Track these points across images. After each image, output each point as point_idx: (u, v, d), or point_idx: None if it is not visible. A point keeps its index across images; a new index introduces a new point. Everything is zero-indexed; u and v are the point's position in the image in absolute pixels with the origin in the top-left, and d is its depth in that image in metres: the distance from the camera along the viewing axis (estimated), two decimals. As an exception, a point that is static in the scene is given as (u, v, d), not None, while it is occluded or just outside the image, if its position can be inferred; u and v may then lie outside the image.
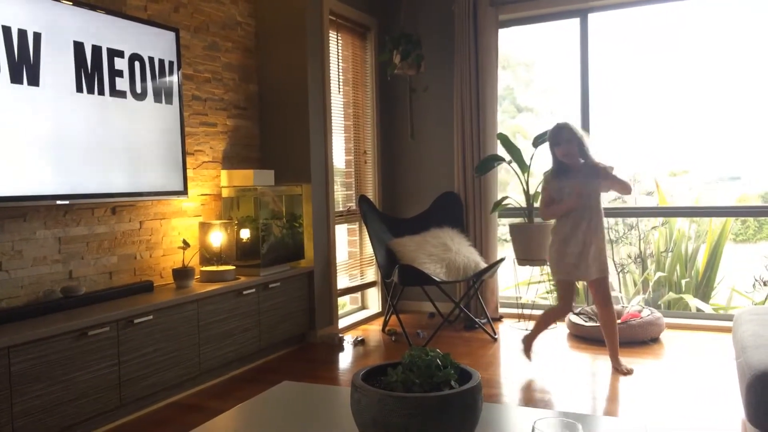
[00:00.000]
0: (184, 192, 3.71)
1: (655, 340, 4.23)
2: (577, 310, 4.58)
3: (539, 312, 4.84)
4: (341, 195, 4.97)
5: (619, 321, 4.31)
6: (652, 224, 5.83)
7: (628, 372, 3.56)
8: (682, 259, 5.40)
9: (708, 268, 5.33)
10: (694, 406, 3.07)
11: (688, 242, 5.47)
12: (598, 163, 3.50)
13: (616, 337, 3.61)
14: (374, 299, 5.34)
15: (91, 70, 3.14)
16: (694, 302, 5.05)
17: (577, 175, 3.50)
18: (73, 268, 3.20)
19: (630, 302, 5.15)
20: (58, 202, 2.98)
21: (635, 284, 5.68)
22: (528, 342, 3.82)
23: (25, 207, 2.93)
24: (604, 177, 3.48)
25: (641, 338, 4.15)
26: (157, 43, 3.52)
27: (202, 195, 4.04)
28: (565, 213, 3.54)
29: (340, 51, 4.89)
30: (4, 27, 2.73)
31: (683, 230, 5.51)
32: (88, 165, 3.12)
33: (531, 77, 6.98)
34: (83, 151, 3.09)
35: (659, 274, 5.47)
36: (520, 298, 5.07)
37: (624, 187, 3.51)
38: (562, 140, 3.48)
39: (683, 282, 5.38)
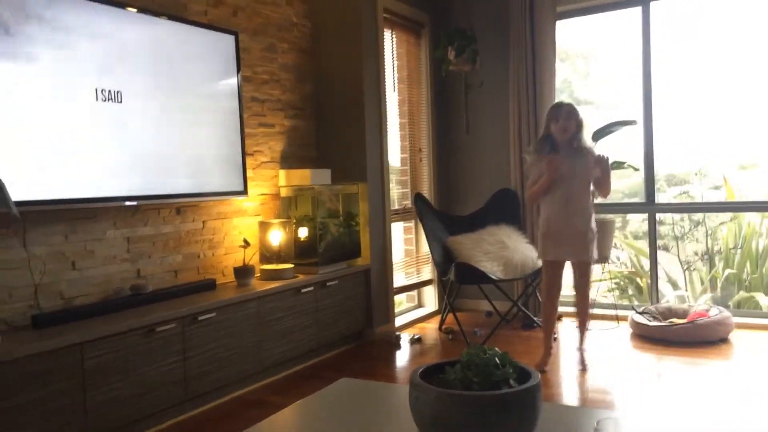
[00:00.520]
0: (244, 192, 3.80)
1: (725, 340, 4.06)
2: (640, 309, 4.45)
3: (599, 311, 4.73)
4: (397, 193, 4.98)
5: (685, 320, 4.17)
6: (720, 220, 5.60)
7: (583, 368, 3.60)
8: (753, 256, 5.16)
9: (781, 266, 5.08)
10: (764, 409, 2.93)
11: (759, 238, 5.23)
12: (593, 150, 3.51)
13: (585, 327, 3.68)
14: (431, 297, 5.33)
15: (157, 77, 3.25)
16: (766, 301, 4.82)
17: (565, 153, 3.47)
18: (141, 267, 3.33)
19: (697, 301, 4.96)
20: (127, 203, 3.11)
21: (702, 282, 5.47)
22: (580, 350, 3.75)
23: (96, 208, 3.07)
24: (596, 162, 3.45)
25: (709, 338, 3.99)
26: (218, 47, 3.62)
27: (261, 194, 4.13)
28: (545, 190, 3.49)
29: (394, 49, 4.89)
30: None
31: (753, 225, 5.26)
32: (155, 167, 3.24)
33: (590, 69, 6.80)
34: (150, 154, 3.21)
35: (728, 271, 5.24)
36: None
37: (606, 187, 3.49)
38: (561, 115, 3.47)
39: (753, 279, 5.14)
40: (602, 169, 3.46)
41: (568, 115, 3.47)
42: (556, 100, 4.92)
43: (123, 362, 2.79)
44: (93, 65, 2.96)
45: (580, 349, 3.72)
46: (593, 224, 3.55)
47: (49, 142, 2.78)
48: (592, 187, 3.57)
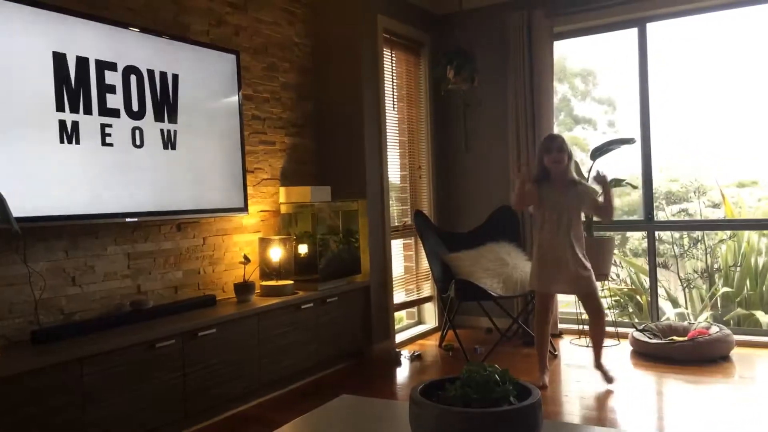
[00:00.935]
0: (244, 209, 3.82)
1: (725, 358, 4.05)
2: (641, 327, 4.45)
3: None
4: (397, 210, 5.00)
5: (685, 338, 4.17)
6: (719, 237, 5.61)
7: (609, 380, 3.60)
8: (752, 274, 5.17)
9: (781, 283, 5.08)
10: (766, 428, 2.93)
11: (758, 256, 5.23)
12: (582, 182, 3.59)
13: (601, 345, 3.66)
14: (431, 314, 5.32)
15: (161, 95, 3.28)
16: (766, 319, 4.81)
17: (556, 185, 3.54)
18: (141, 283, 3.34)
19: (697, 319, 4.96)
20: (128, 219, 3.12)
21: (702, 300, 5.47)
22: (599, 367, 3.72)
23: (97, 224, 3.08)
24: (596, 180, 3.52)
25: (709, 356, 3.99)
26: (219, 66, 3.66)
27: (261, 211, 4.14)
28: (518, 200, 3.62)
29: (394, 68, 4.94)
30: (79, 57, 2.90)
31: (753, 243, 5.27)
32: (156, 184, 3.26)
33: (588, 88, 6.86)
34: (151, 170, 3.23)
35: (724, 288, 5.25)
36: (581, 314, 4.95)
37: (608, 207, 3.50)
38: (554, 148, 3.53)
39: (753, 297, 5.14)
40: (602, 186, 3.48)
41: (560, 147, 3.53)
42: (555, 119, 4.97)
43: (122, 378, 2.79)
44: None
45: (600, 366, 3.66)
46: (584, 254, 3.56)
47: (51, 159, 2.80)
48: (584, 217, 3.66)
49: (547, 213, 3.57)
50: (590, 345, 3.76)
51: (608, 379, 3.62)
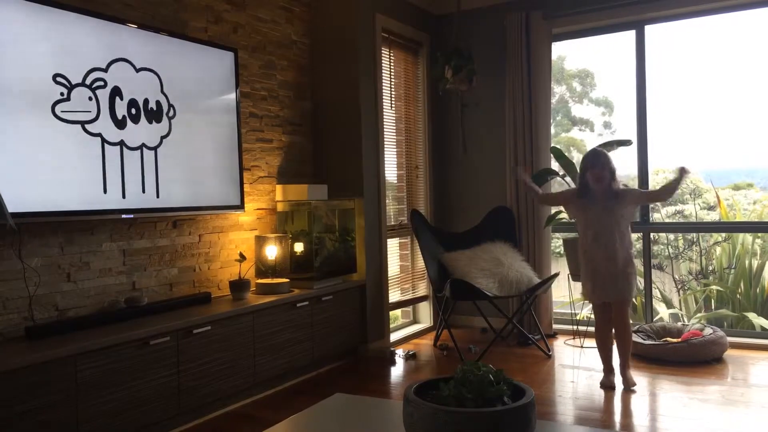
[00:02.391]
0: (241, 206, 3.81)
1: (718, 359, 4.07)
2: (635, 328, 4.46)
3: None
4: (393, 209, 5.00)
5: (679, 339, 4.18)
6: (714, 239, 5.63)
7: (631, 388, 3.57)
8: (746, 276, 5.19)
9: (775, 286, 5.10)
10: (758, 430, 2.94)
11: (753, 258, 5.26)
12: (621, 188, 3.60)
13: (627, 354, 3.63)
14: (426, 313, 5.33)
15: (156, 92, 3.28)
16: (759, 321, 4.83)
17: (597, 200, 3.58)
18: (137, 280, 3.33)
19: (691, 320, 4.97)
20: (123, 216, 3.11)
21: (696, 301, 5.49)
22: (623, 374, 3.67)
23: (93, 221, 3.08)
24: (628, 198, 3.57)
25: (703, 358, 4.00)
26: (217, 63, 3.65)
27: (257, 209, 4.14)
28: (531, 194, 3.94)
29: (392, 67, 4.94)
30: (75, 53, 2.89)
31: (747, 245, 5.29)
32: (152, 180, 3.25)
33: (585, 90, 6.88)
34: (147, 167, 3.23)
35: (716, 288, 5.26)
36: (576, 314, 4.97)
37: (660, 195, 3.69)
38: (598, 164, 3.56)
39: (747, 299, 5.16)
40: (679, 173, 3.56)
41: (603, 164, 3.55)
42: (552, 120, 4.98)
43: (116, 375, 2.78)
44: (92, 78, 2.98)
45: (624, 374, 3.62)
46: (633, 262, 3.59)
47: (48, 155, 2.79)
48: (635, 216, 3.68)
49: (589, 230, 3.60)
50: (620, 354, 3.69)
51: (628, 386, 3.59)
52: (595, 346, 3.79)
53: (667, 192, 3.62)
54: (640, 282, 5.25)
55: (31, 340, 2.70)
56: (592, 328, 4.69)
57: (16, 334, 2.77)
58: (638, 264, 5.45)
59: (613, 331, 3.66)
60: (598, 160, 3.58)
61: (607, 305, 3.65)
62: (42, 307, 2.89)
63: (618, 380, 3.65)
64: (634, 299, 5.53)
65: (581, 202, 3.64)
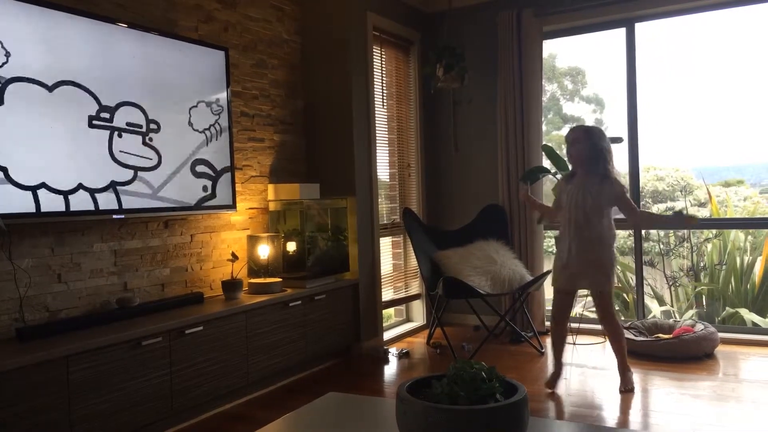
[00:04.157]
0: (232, 206, 3.80)
1: (710, 355, 4.09)
2: (626, 324, 4.48)
3: (587, 326, 4.76)
4: (386, 208, 5.00)
5: (670, 336, 4.20)
6: (705, 236, 5.66)
7: (628, 390, 3.45)
8: (737, 273, 5.22)
9: (765, 282, 5.13)
10: (749, 425, 2.96)
11: (744, 255, 5.29)
12: (616, 179, 3.39)
13: (624, 351, 3.50)
14: (419, 312, 5.34)
15: (147, 91, 3.26)
16: (750, 317, 4.87)
17: (582, 183, 3.40)
18: (128, 280, 3.32)
19: (682, 316, 5.00)
20: (114, 216, 3.10)
21: (687, 298, 5.52)
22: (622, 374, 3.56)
23: (83, 221, 3.06)
24: (615, 186, 3.35)
25: (694, 353, 4.03)
26: (208, 62, 3.64)
27: (250, 209, 4.13)
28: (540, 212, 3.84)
29: (383, 65, 4.94)
30: (65, 51, 2.88)
31: (738, 242, 5.33)
32: (143, 180, 3.24)
33: (576, 88, 6.90)
34: (139, 167, 3.21)
35: (706, 286, 5.29)
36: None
37: (631, 213, 3.42)
38: (568, 141, 3.47)
39: (738, 295, 5.19)
40: (674, 221, 3.50)
41: (573, 140, 3.42)
42: (543, 118, 4.99)
43: (109, 376, 2.77)
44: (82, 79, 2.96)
45: (622, 374, 3.51)
46: (610, 251, 3.41)
47: (37, 155, 2.77)
48: (616, 215, 3.48)
49: (568, 212, 3.44)
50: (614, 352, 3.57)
51: (626, 388, 3.46)
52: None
53: (650, 224, 3.41)
54: (631, 279, 5.27)
55: (22, 342, 2.68)
56: (585, 325, 4.73)
57: (6, 336, 2.75)
58: (629, 260, 5.48)
59: (606, 332, 3.55)
60: (569, 134, 3.46)
61: (567, 296, 3.50)
62: (33, 308, 2.87)
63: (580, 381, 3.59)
64: (625, 295, 5.56)
65: (562, 187, 3.51)
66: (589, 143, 3.37)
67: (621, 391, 3.46)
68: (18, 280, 2.80)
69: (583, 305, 5.05)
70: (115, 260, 3.25)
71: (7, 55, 2.66)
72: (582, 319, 4.90)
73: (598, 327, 4.71)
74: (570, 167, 3.61)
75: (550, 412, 3.26)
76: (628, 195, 3.44)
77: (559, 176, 4.61)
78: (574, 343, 4.54)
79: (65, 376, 2.59)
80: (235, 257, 3.76)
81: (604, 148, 3.38)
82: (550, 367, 3.88)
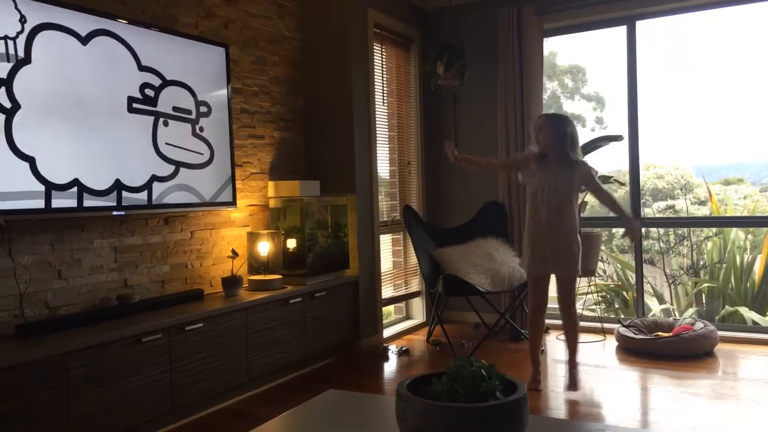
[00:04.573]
0: (233, 203, 3.80)
1: (709, 354, 4.10)
2: (626, 323, 4.48)
3: (587, 324, 4.77)
4: (386, 205, 5.00)
5: (670, 334, 4.20)
6: (705, 234, 5.67)
7: (573, 387, 3.45)
8: (737, 271, 5.22)
9: (765, 280, 5.14)
10: (748, 423, 2.96)
11: (744, 253, 5.29)
12: (584, 164, 3.44)
13: (576, 347, 3.51)
14: (418, 309, 5.34)
15: (146, 87, 3.26)
16: (750, 315, 4.87)
17: (552, 167, 3.42)
18: (128, 277, 3.32)
19: (682, 315, 5.00)
20: (115, 212, 3.10)
21: (687, 296, 5.52)
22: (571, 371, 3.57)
23: (84, 218, 3.06)
24: (584, 170, 3.40)
25: (694, 352, 4.03)
26: (208, 59, 3.63)
27: (250, 205, 4.13)
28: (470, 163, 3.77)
29: (384, 62, 4.93)
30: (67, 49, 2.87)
31: (738, 240, 5.33)
32: (143, 177, 3.23)
33: (577, 85, 6.89)
34: (139, 164, 3.21)
35: (707, 283, 5.29)
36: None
37: (606, 197, 3.45)
38: (536, 127, 3.47)
39: (737, 293, 5.19)
40: (582, 176, 3.42)
41: (540, 126, 3.46)
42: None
43: (108, 372, 2.77)
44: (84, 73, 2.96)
45: (570, 367, 3.53)
46: (577, 238, 3.45)
47: (38, 150, 2.77)
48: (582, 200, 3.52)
49: (539, 196, 3.43)
50: (566, 345, 3.58)
51: (572, 385, 3.46)
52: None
53: (611, 207, 3.44)
54: (631, 277, 5.28)
55: (22, 338, 2.68)
56: (585, 323, 4.73)
57: (6, 332, 2.75)
58: (629, 258, 5.48)
59: (561, 313, 3.53)
60: (537, 121, 3.51)
61: (543, 283, 3.48)
62: (33, 304, 2.87)
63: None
64: (625, 293, 5.57)
65: (537, 166, 3.45)
66: (554, 128, 3.40)
67: (568, 389, 3.45)
68: (18, 276, 2.80)
69: (583, 303, 5.06)
70: (115, 257, 3.25)
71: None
72: (582, 317, 4.90)
73: (597, 325, 4.73)
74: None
75: (550, 411, 3.26)
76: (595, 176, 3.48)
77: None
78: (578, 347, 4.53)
79: (65, 372, 2.59)
80: (235, 254, 3.76)
81: (570, 132, 3.41)
82: (547, 366, 3.89)
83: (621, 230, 5.39)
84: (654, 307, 5.27)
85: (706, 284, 5.37)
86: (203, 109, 3.60)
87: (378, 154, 4.70)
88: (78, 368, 2.64)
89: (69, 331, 2.80)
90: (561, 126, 3.40)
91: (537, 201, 3.44)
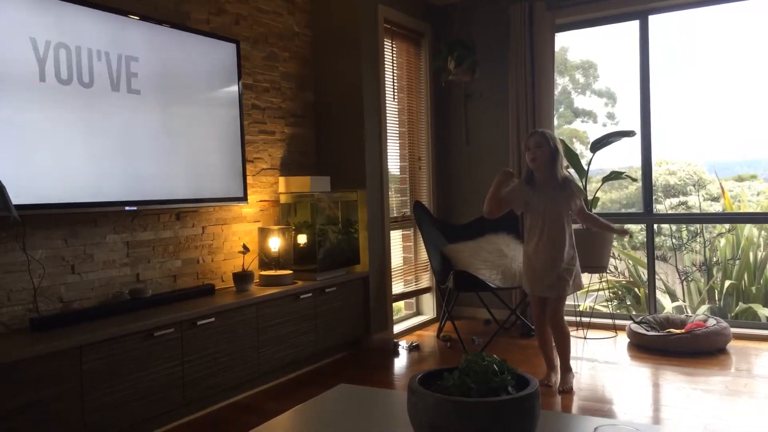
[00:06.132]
0: (244, 198, 3.81)
1: (722, 350, 4.07)
2: (638, 319, 4.46)
3: (598, 320, 4.75)
4: (396, 201, 5.00)
5: (682, 330, 4.18)
6: (717, 231, 5.62)
7: (566, 390, 3.40)
8: (751, 268, 5.18)
9: (779, 277, 5.09)
10: (761, 420, 2.94)
11: (757, 250, 5.25)
12: (568, 177, 3.42)
13: (569, 352, 3.49)
14: (429, 305, 5.34)
15: (157, 82, 3.27)
16: (763, 312, 4.83)
17: (543, 188, 3.37)
18: (140, 271, 3.34)
19: (695, 311, 4.97)
20: (127, 208, 3.12)
21: (700, 293, 5.48)
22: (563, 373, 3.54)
23: (96, 213, 3.08)
24: (574, 189, 3.40)
25: (706, 349, 4.00)
26: (219, 55, 3.64)
27: (261, 201, 4.14)
28: (491, 197, 3.36)
29: (394, 58, 4.92)
30: (77, 47, 2.89)
31: (752, 236, 5.28)
32: (155, 172, 3.25)
33: (588, 81, 6.84)
34: (151, 159, 3.23)
35: (727, 282, 5.26)
36: (578, 305, 4.97)
37: (588, 218, 3.52)
38: (531, 144, 3.37)
39: (751, 290, 5.15)
40: (572, 196, 3.40)
41: (538, 143, 3.35)
42: (555, 112, 4.96)
43: (121, 366, 2.79)
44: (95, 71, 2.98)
45: (563, 371, 3.50)
46: (570, 253, 3.40)
47: (51, 147, 2.79)
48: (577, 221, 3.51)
49: (530, 220, 3.42)
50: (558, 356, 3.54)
51: (564, 388, 3.41)
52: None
53: (595, 226, 3.49)
54: (643, 273, 5.25)
55: (36, 332, 2.71)
56: (596, 320, 4.72)
57: (20, 326, 2.78)
58: (641, 255, 5.45)
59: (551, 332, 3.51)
60: (531, 138, 3.38)
61: (540, 300, 3.49)
62: (46, 298, 2.90)
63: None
64: (636, 290, 5.54)
65: (526, 191, 3.39)
66: (550, 148, 3.35)
67: (559, 392, 3.42)
68: (32, 270, 2.82)
69: (594, 299, 5.04)
70: (128, 251, 3.27)
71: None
72: (593, 313, 4.89)
73: (609, 321, 4.71)
74: (532, 171, 3.43)
75: (561, 405, 3.25)
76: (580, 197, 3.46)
77: (571, 170, 4.59)
78: (585, 338, 4.52)
79: (78, 366, 2.62)
80: (246, 249, 3.77)
81: (560, 151, 3.40)
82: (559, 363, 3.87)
83: (633, 226, 5.37)
84: (666, 304, 5.24)
85: (720, 281, 5.33)
86: (214, 105, 3.62)
87: (388, 150, 4.69)
88: (91, 362, 2.67)
89: (82, 325, 2.82)
90: (555, 146, 3.37)
91: (536, 223, 3.40)
